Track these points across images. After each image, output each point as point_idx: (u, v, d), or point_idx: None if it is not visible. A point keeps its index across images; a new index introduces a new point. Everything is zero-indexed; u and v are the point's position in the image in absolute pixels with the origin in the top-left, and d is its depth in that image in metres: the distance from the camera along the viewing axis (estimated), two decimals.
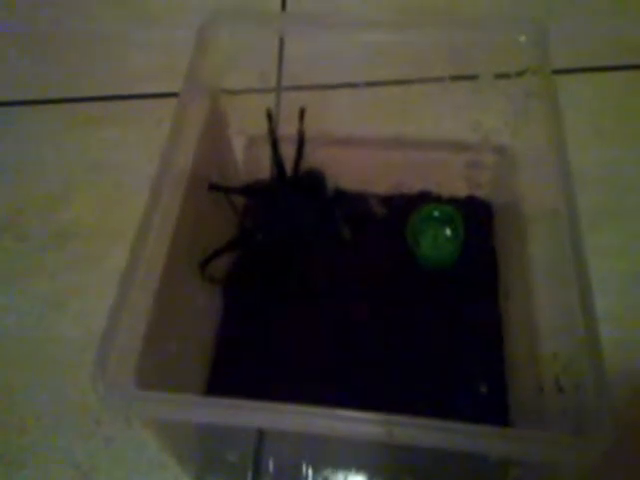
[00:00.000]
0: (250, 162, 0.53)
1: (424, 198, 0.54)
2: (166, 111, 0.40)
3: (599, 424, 0.29)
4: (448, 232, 0.53)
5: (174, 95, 0.41)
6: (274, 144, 0.47)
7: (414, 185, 0.55)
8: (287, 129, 0.48)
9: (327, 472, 0.40)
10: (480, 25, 0.44)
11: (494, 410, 0.44)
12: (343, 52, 0.47)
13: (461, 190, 0.55)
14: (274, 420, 0.30)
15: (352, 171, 0.54)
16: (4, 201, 0.60)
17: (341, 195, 0.51)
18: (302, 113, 0.47)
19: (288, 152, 0.48)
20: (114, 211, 0.58)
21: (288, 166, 0.48)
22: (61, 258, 0.56)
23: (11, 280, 0.55)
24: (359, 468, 0.40)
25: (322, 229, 0.47)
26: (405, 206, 0.53)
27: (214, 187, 0.45)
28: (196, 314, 0.45)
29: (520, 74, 0.44)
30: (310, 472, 0.40)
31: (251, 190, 0.50)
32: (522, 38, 0.44)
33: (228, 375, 0.46)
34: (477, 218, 0.53)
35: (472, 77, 0.47)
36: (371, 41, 0.46)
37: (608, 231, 0.53)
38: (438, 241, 0.52)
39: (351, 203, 0.52)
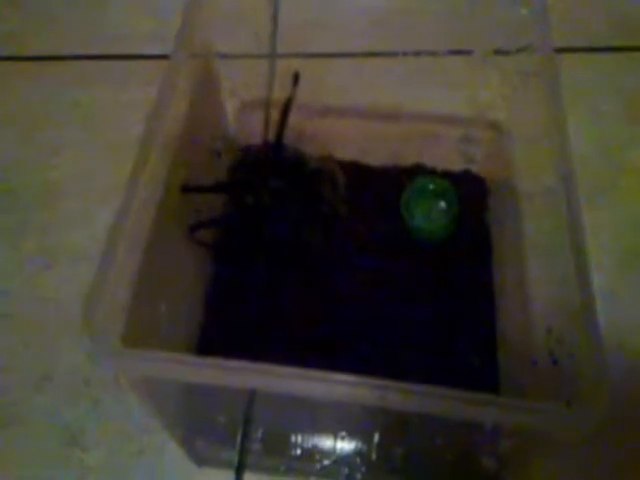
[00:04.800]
0: (242, 126, 0.52)
1: (419, 170, 0.54)
2: (158, 72, 0.39)
3: (592, 394, 0.28)
4: (442, 205, 0.52)
5: (166, 57, 0.40)
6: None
7: (409, 157, 0.54)
8: (281, 96, 0.47)
9: (316, 440, 0.40)
10: None
11: (485, 383, 0.44)
12: (339, 20, 0.46)
13: (456, 164, 0.55)
14: (267, 382, 0.29)
15: (347, 141, 0.53)
16: None
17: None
18: (296, 77, 0.46)
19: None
20: (103, 171, 0.57)
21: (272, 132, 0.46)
22: (49, 217, 0.55)
23: None
24: (348, 437, 0.40)
25: (314, 210, 0.47)
26: (400, 178, 0.53)
27: (187, 189, 0.42)
28: (185, 276, 0.44)
29: (520, 50, 0.44)
30: (299, 439, 0.40)
31: (230, 187, 0.48)
32: (523, 10, 0.43)
33: (217, 339, 0.45)
34: (471, 193, 0.53)
35: (470, 52, 0.46)
36: (368, 7, 0.45)
37: (602, 210, 0.54)
38: (432, 214, 0.52)
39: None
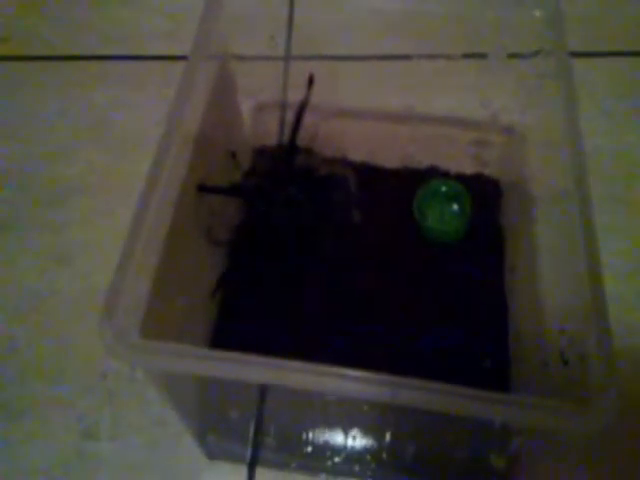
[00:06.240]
0: (258, 127, 0.53)
1: (432, 173, 0.54)
2: (174, 73, 0.40)
3: (602, 396, 0.29)
4: (455, 207, 0.53)
5: (182, 58, 0.40)
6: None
7: (422, 160, 0.55)
8: (296, 97, 0.47)
9: (327, 437, 0.40)
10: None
11: (497, 384, 0.44)
12: (354, 23, 0.46)
13: (469, 167, 0.55)
14: (279, 377, 0.30)
15: (360, 143, 0.54)
16: (10, 155, 0.60)
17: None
18: (311, 80, 0.47)
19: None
20: (118, 169, 0.58)
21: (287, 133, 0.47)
22: (65, 214, 0.56)
23: (14, 233, 0.55)
24: (359, 435, 0.40)
25: (328, 215, 0.47)
26: (412, 180, 0.53)
27: (204, 189, 0.43)
28: (201, 274, 0.45)
29: (534, 54, 0.44)
30: (310, 436, 0.40)
31: (243, 191, 0.49)
32: (537, 13, 0.43)
33: (231, 335, 0.46)
34: (484, 195, 0.53)
35: (484, 55, 0.46)
36: (382, 9, 0.45)
37: (615, 213, 0.54)
38: (444, 216, 0.52)
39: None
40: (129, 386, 0.47)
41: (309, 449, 0.42)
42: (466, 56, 0.47)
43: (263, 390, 0.38)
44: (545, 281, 0.41)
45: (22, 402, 0.47)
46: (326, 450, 0.42)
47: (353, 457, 0.42)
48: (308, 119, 0.47)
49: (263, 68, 0.49)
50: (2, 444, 0.45)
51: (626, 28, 0.66)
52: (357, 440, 0.40)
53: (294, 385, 0.30)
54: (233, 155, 0.49)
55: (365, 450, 0.41)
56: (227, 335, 0.46)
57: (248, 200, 0.48)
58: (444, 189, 0.53)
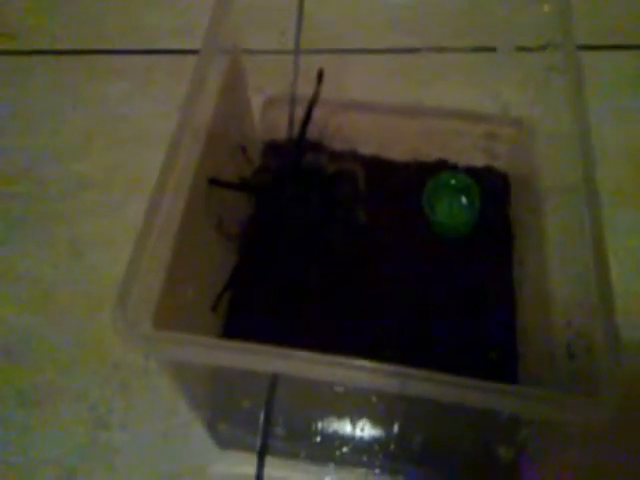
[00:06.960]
0: (267, 121, 0.53)
1: (441, 166, 0.54)
2: (185, 68, 0.40)
3: (609, 387, 0.29)
4: (464, 200, 0.53)
5: (193, 52, 0.41)
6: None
7: (431, 153, 0.55)
8: (306, 91, 0.48)
9: (335, 427, 0.41)
10: None
11: (504, 377, 0.44)
12: (363, 17, 0.47)
13: (478, 160, 0.55)
14: (289, 366, 0.30)
15: (370, 136, 0.54)
16: (23, 149, 0.61)
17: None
18: (320, 75, 0.47)
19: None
20: (131, 163, 0.58)
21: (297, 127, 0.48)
22: (79, 207, 0.57)
23: (28, 226, 0.56)
24: (367, 426, 0.40)
25: (334, 215, 0.48)
26: (422, 173, 0.53)
27: (215, 182, 0.44)
28: (212, 265, 0.45)
29: (543, 47, 0.44)
30: (319, 426, 0.41)
31: (253, 187, 0.49)
32: (546, 7, 0.43)
33: (241, 327, 0.47)
34: (494, 188, 0.53)
35: (493, 48, 0.46)
36: (391, 4, 0.45)
37: (623, 208, 0.53)
38: (453, 209, 0.53)
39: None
40: (141, 376, 0.47)
41: (318, 439, 0.42)
42: (475, 49, 0.47)
43: (273, 380, 0.39)
44: (553, 275, 0.41)
45: (36, 392, 0.48)
46: (335, 440, 0.42)
47: (361, 447, 0.42)
48: (318, 113, 0.47)
49: (273, 62, 0.50)
50: (16, 433, 0.46)
51: (635, 21, 0.66)
52: (365, 430, 0.41)
53: (304, 375, 0.30)
54: (243, 149, 0.49)
55: (373, 440, 0.42)
56: (237, 328, 0.47)
57: (258, 196, 0.49)
58: (453, 182, 0.53)
